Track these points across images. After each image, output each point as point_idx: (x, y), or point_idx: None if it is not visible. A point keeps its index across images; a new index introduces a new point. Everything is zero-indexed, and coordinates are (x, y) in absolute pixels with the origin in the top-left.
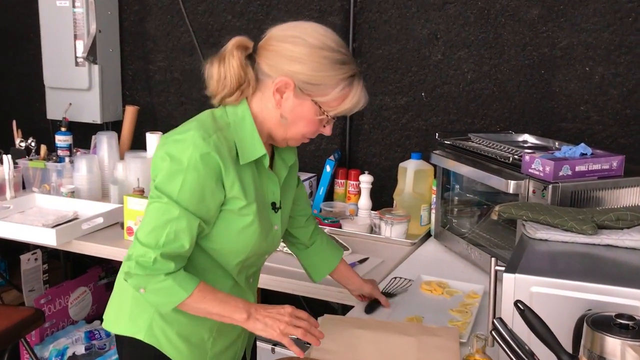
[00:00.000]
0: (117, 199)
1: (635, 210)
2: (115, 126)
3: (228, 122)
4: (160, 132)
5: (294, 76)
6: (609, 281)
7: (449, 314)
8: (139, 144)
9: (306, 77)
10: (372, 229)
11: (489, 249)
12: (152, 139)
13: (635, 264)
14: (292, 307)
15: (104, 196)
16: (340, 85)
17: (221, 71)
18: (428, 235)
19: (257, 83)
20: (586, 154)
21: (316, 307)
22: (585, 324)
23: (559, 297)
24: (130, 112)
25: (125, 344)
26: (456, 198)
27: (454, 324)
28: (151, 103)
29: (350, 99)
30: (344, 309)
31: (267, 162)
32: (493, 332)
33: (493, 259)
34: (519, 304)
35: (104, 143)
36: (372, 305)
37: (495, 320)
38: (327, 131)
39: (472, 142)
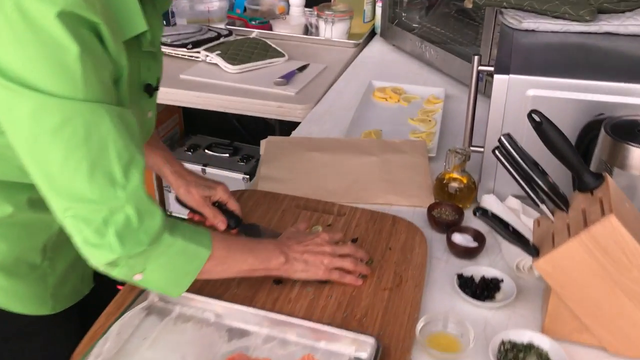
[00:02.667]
0: None
1: None
2: None
3: None
4: None
5: None
6: (619, 78)
7: (410, 124)
8: None
9: None
10: (308, 30)
11: (445, 45)
12: None
13: None
14: (325, 232)
15: None
16: None
17: None
18: (372, 33)
19: None
20: None
21: (253, 128)
22: (603, 131)
23: (561, 101)
24: None
25: None
26: None
27: (418, 135)
28: None
29: None
30: (285, 127)
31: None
32: (497, 152)
33: (476, 57)
34: (534, 115)
35: None
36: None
37: (502, 137)
38: None
39: None
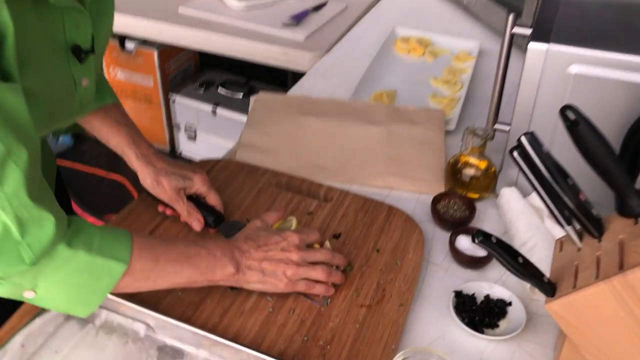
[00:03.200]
0: None
1: None
2: None
3: None
4: None
5: None
6: None
7: (432, 85)
8: None
9: None
10: None
11: None
12: None
13: None
14: (296, 233)
15: None
16: None
17: None
18: None
19: None
20: None
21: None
22: None
23: (612, 84)
24: None
25: None
26: None
27: (438, 101)
28: None
29: None
30: (300, 77)
31: None
32: (516, 154)
33: (511, 15)
34: (569, 111)
35: None
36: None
37: (524, 138)
38: None
39: None
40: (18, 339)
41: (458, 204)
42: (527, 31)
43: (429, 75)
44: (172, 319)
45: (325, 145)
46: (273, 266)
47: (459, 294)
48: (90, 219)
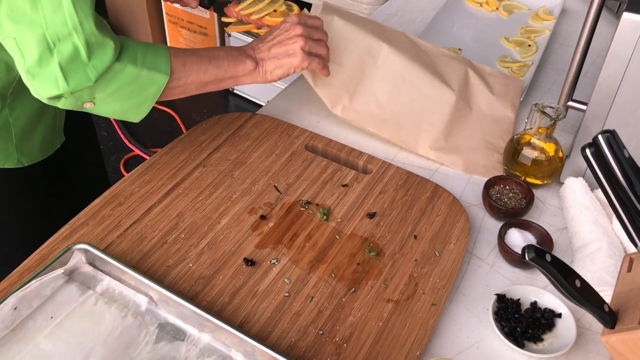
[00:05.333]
0: None
1: None
2: None
3: None
4: None
5: None
6: None
7: (503, 45)
8: None
9: None
10: None
11: None
12: None
13: None
14: (293, 15)
15: None
16: None
17: None
18: None
19: None
20: None
21: None
22: None
23: None
24: None
25: None
26: None
27: (507, 65)
28: None
29: None
30: None
31: None
32: (588, 152)
33: None
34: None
35: None
36: None
37: (601, 137)
38: None
39: None
40: (10, 300)
41: (514, 190)
42: None
43: (500, 34)
44: (175, 295)
45: (388, 88)
46: (283, 46)
47: (501, 298)
48: (137, 151)
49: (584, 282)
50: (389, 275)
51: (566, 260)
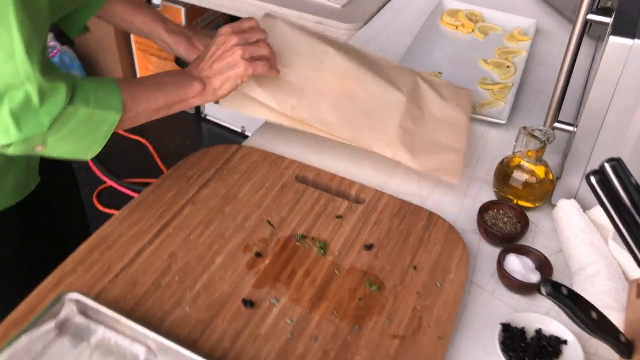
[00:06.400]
0: None
1: None
2: None
3: None
4: None
5: None
6: None
7: (481, 67)
8: None
9: None
10: None
11: None
12: None
13: None
14: (225, 26)
15: None
16: None
17: None
18: None
19: None
20: None
21: None
22: None
23: None
24: None
25: None
26: None
27: (488, 87)
28: None
29: None
30: None
31: None
32: (593, 180)
33: None
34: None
35: None
36: None
37: (607, 165)
38: None
39: None
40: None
41: (508, 215)
42: (606, 19)
43: (478, 56)
44: (174, 344)
45: (339, 89)
46: (223, 60)
47: (506, 327)
48: (110, 182)
49: (599, 313)
50: (392, 310)
51: (564, 282)
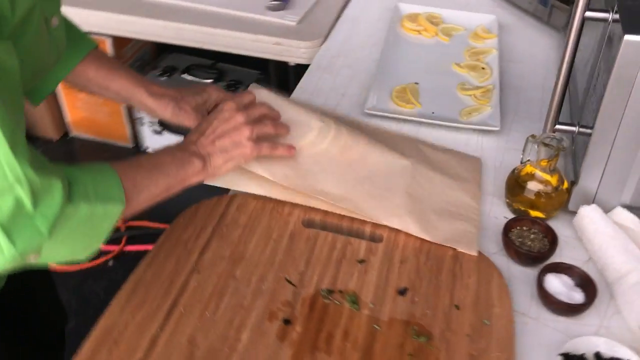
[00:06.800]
0: None
1: None
2: None
3: None
4: None
5: None
6: None
7: (456, 72)
8: None
9: None
10: None
11: None
12: None
13: None
14: (230, 99)
15: None
16: None
17: None
18: None
19: None
20: None
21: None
22: None
23: None
24: None
25: None
26: None
27: (469, 93)
28: None
29: None
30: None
31: None
32: None
33: None
34: None
35: None
36: None
37: None
38: None
39: None
40: None
41: (533, 231)
42: (605, 15)
43: (449, 60)
44: None
45: (338, 159)
46: (228, 138)
47: (566, 356)
48: None
49: None
50: None
51: (604, 295)
